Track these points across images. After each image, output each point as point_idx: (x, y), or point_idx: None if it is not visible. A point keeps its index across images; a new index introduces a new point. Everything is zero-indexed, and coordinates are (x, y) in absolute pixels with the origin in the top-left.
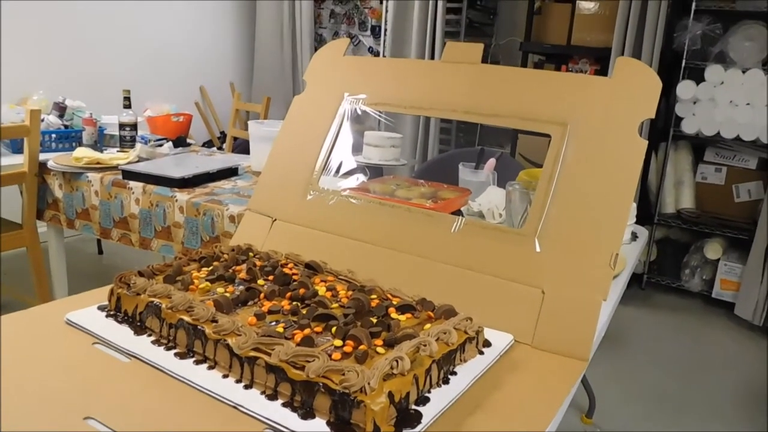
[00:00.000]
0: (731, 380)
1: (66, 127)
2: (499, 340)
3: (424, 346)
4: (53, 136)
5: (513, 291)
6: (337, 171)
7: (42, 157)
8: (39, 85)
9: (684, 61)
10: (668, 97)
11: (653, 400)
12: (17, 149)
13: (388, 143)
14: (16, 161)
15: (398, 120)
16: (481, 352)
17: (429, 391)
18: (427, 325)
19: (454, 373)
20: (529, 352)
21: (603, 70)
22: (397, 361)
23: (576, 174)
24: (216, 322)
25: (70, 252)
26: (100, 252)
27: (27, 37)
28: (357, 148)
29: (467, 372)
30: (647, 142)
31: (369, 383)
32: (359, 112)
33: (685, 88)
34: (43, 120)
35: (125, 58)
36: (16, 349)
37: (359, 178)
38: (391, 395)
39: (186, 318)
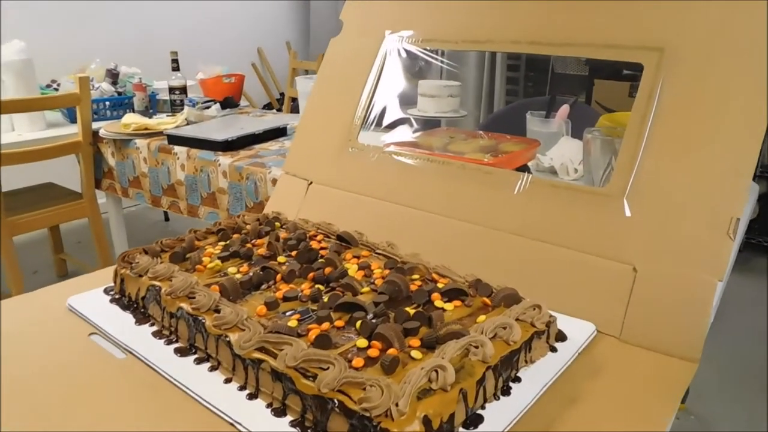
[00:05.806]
0: None
1: (119, 93)
2: (578, 331)
3: (476, 347)
4: (107, 103)
5: (595, 268)
6: (380, 123)
7: (97, 125)
8: (96, 54)
9: None
10: None
11: (753, 379)
12: (74, 119)
13: (445, 93)
14: (74, 131)
15: (460, 67)
16: (554, 349)
17: (483, 407)
18: (481, 317)
19: (518, 380)
20: (616, 348)
21: None
22: (436, 372)
23: (677, 114)
24: (218, 312)
25: (136, 219)
26: (167, 219)
27: (81, 7)
28: (411, 101)
29: (535, 378)
30: None
31: (397, 405)
32: (403, 53)
33: None
34: (97, 88)
35: (180, 21)
36: (11, 340)
37: (405, 131)
38: (426, 420)
39: (185, 306)
